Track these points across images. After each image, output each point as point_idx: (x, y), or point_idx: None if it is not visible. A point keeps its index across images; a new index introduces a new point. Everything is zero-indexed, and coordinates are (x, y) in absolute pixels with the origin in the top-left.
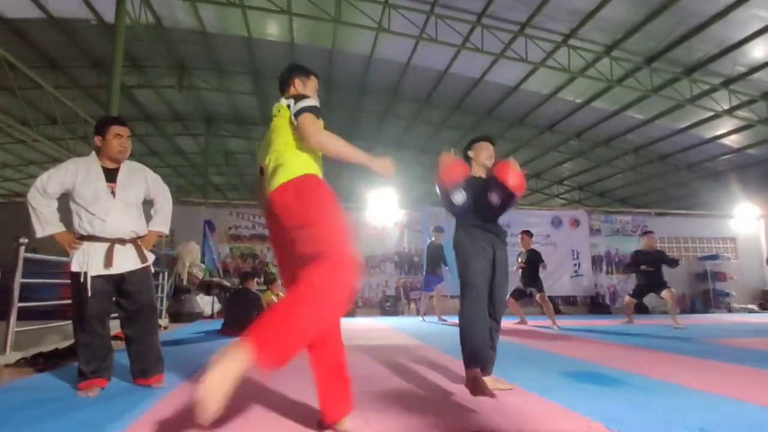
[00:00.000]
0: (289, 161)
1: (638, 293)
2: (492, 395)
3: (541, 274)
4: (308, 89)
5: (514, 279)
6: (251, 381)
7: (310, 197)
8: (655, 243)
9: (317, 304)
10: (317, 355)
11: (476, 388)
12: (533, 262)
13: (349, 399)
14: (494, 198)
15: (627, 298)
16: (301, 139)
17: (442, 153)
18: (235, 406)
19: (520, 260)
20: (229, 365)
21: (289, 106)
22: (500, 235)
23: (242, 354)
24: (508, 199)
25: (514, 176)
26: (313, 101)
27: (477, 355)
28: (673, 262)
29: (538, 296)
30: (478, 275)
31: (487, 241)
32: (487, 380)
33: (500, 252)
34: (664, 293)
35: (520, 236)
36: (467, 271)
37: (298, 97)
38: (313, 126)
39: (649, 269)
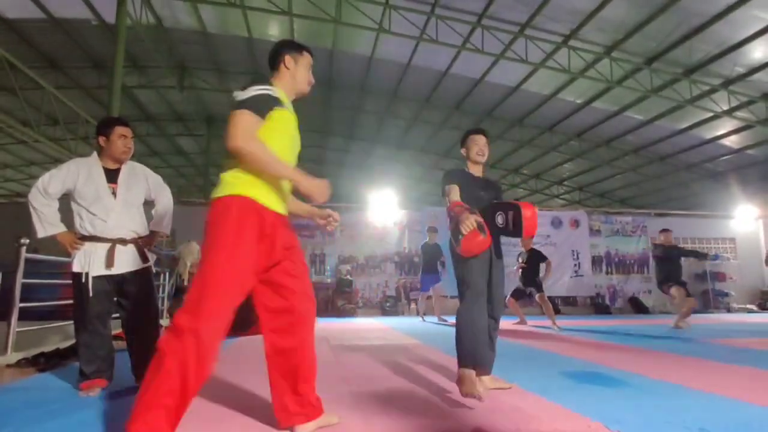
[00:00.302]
0: (228, 174)
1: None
2: (480, 398)
3: (542, 273)
4: (300, 67)
5: (514, 279)
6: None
7: (208, 232)
8: (671, 239)
9: (162, 375)
10: (274, 362)
11: (465, 387)
12: (534, 262)
13: (309, 406)
14: (500, 219)
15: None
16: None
17: (465, 223)
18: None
19: (520, 260)
20: None
21: (236, 97)
22: (498, 235)
23: None
24: (511, 233)
25: (531, 222)
26: (260, 91)
27: (471, 355)
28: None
29: (537, 296)
30: (477, 276)
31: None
32: (486, 380)
33: (498, 251)
34: (673, 290)
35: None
36: (466, 271)
37: (252, 85)
38: (238, 127)
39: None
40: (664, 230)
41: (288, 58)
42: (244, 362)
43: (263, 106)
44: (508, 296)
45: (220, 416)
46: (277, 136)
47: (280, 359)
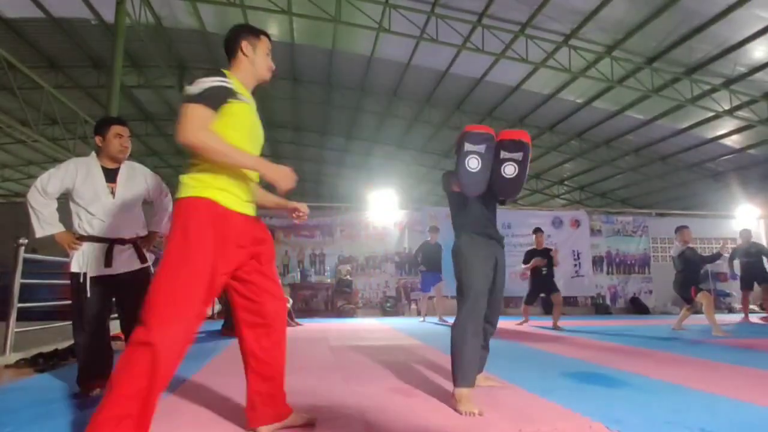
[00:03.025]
0: (186, 176)
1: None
2: (480, 414)
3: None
4: (259, 53)
5: (515, 280)
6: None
7: (166, 236)
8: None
9: (130, 388)
10: (247, 360)
11: (463, 406)
12: (549, 261)
13: (278, 408)
14: (509, 169)
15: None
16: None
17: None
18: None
19: (534, 261)
20: None
21: (186, 90)
22: (500, 240)
23: None
24: (524, 164)
25: (520, 133)
26: (212, 83)
27: (468, 374)
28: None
29: (554, 296)
30: (480, 290)
31: (492, 252)
32: (479, 377)
33: (501, 258)
34: (700, 296)
35: (534, 234)
36: (471, 279)
37: (204, 77)
38: (188, 121)
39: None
40: (681, 228)
41: (245, 44)
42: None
43: (215, 99)
44: (523, 305)
45: (214, 417)
46: (233, 129)
47: (252, 358)
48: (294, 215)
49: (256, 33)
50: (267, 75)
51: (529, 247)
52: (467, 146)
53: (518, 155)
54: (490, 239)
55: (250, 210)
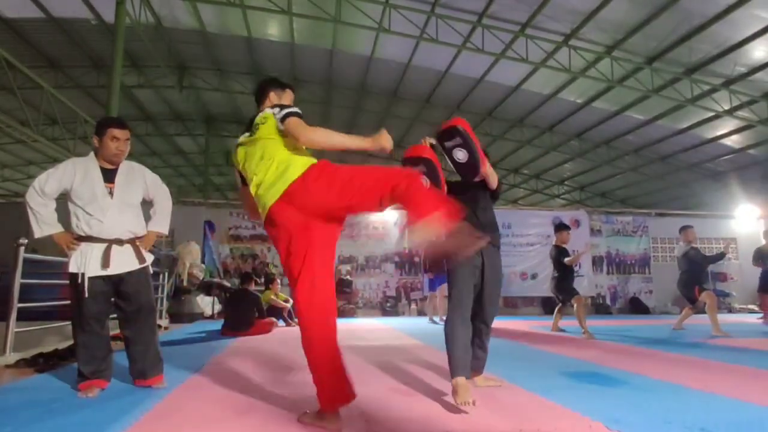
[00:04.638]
0: (293, 160)
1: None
2: (474, 404)
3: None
4: (284, 101)
5: (517, 282)
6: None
7: (335, 178)
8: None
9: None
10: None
11: (460, 396)
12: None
13: (343, 390)
14: (460, 155)
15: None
16: (292, 141)
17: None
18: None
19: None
20: None
21: (274, 114)
22: (494, 241)
23: None
24: (467, 144)
25: (453, 121)
26: (294, 108)
27: (460, 365)
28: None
29: (575, 299)
30: (463, 284)
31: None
32: (479, 379)
33: (489, 258)
34: (704, 296)
35: (556, 233)
36: (453, 279)
37: (280, 106)
38: (301, 126)
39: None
40: (686, 227)
41: (273, 95)
42: (244, 362)
43: (302, 116)
44: (555, 311)
45: (214, 417)
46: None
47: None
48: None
49: (282, 86)
50: None
51: (548, 246)
52: (447, 144)
53: (458, 140)
54: None
55: None
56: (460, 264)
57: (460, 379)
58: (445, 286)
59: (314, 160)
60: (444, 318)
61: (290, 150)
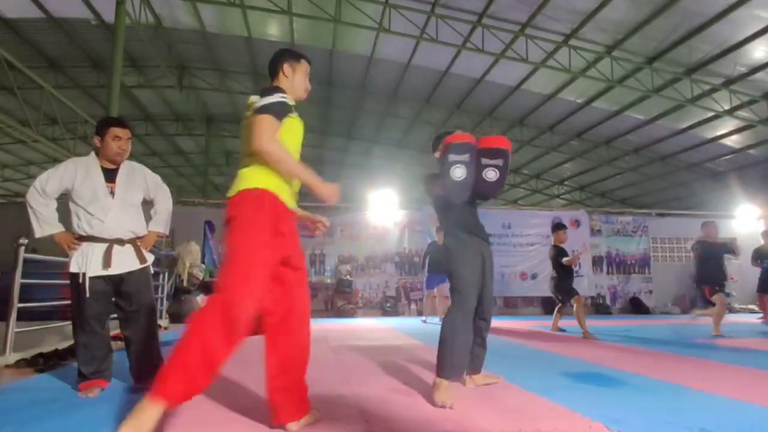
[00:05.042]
0: (246, 170)
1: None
2: (450, 407)
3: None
4: (298, 74)
5: (517, 282)
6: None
7: (238, 219)
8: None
9: (200, 339)
10: (271, 356)
11: (439, 396)
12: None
13: (303, 403)
14: (491, 174)
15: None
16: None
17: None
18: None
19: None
20: (140, 422)
21: (255, 103)
22: (486, 238)
23: (150, 407)
24: (504, 168)
25: (499, 141)
26: (279, 98)
27: (449, 368)
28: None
29: (575, 300)
30: (469, 284)
31: (477, 248)
32: (478, 378)
33: (488, 255)
34: (716, 298)
35: (553, 233)
36: (458, 279)
37: (267, 91)
38: (263, 130)
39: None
40: (706, 222)
41: (287, 66)
42: (244, 362)
43: (282, 113)
44: (555, 312)
45: (222, 419)
46: (288, 141)
47: (276, 354)
48: (314, 227)
49: (297, 56)
50: (303, 95)
51: (548, 246)
52: (451, 157)
53: (499, 161)
54: (475, 236)
55: (295, 209)
56: (464, 264)
57: (445, 382)
58: (445, 285)
59: (260, 185)
60: (443, 318)
61: (255, 156)
